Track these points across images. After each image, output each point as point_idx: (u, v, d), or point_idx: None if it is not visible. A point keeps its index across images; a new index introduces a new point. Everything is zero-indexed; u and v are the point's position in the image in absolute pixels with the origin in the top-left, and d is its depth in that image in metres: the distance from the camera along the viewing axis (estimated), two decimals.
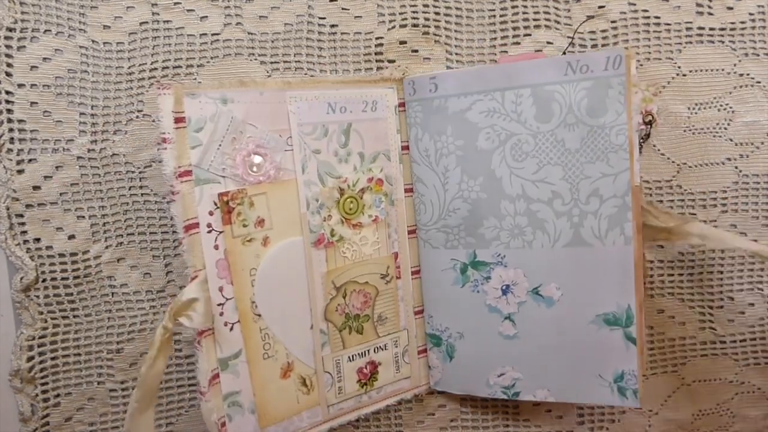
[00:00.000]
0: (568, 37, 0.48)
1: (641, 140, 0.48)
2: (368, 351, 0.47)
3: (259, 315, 0.42)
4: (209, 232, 0.40)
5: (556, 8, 0.48)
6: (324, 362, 0.46)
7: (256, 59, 0.47)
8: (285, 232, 0.43)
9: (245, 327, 0.42)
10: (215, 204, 0.40)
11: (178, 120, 0.39)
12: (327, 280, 0.45)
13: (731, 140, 0.50)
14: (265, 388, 0.43)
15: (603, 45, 0.48)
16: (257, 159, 0.41)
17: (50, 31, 0.45)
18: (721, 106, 0.50)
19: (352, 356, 0.46)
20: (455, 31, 0.48)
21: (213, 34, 0.46)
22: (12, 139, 0.45)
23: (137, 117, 0.46)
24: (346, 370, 0.46)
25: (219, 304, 0.41)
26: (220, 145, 0.40)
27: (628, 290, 0.43)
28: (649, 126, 0.47)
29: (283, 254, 0.43)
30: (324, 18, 0.47)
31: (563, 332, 0.45)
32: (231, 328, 0.41)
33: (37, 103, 0.45)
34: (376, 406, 0.48)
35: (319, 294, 0.45)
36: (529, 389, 0.47)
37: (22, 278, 0.46)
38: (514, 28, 0.48)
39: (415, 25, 0.48)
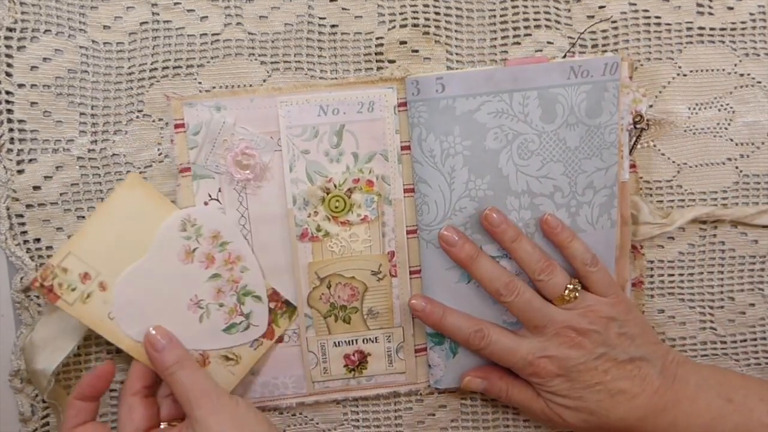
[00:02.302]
0: (569, 37, 0.48)
1: (636, 138, 0.48)
2: (356, 340, 0.49)
3: None
4: None
5: (557, 8, 0.48)
6: (308, 343, 0.49)
7: (256, 59, 0.47)
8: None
9: None
10: (210, 195, 0.46)
11: (178, 126, 0.46)
12: (310, 270, 0.47)
13: (732, 140, 0.50)
14: None
15: (603, 45, 0.48)
16: (246, 159, 0.45)
17: (50, 31, 0.45)
18: (721, 106, 0.50)
19: (338, 342, 0.49)
20: (455, 31, 0.48)
21: (213, 34, 0.46)
22: (12, 139, 0.45)
23: (137, 117, 0.46)
24: (332, 353, 0.49)
25: None
26: (213, 147, 0.46)
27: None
28: (635, 126, 0.48)
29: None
30: (324, 18, 0.47)
31: None
32: None
33: (37, 103, 0.45)
34: (366, 392, 0.50)
35: (304, 282, 0.48)
36: None
37: (22, 278, 0.46)
38: (515, 28, 0.48)
39: (415, 25, 0.48)
